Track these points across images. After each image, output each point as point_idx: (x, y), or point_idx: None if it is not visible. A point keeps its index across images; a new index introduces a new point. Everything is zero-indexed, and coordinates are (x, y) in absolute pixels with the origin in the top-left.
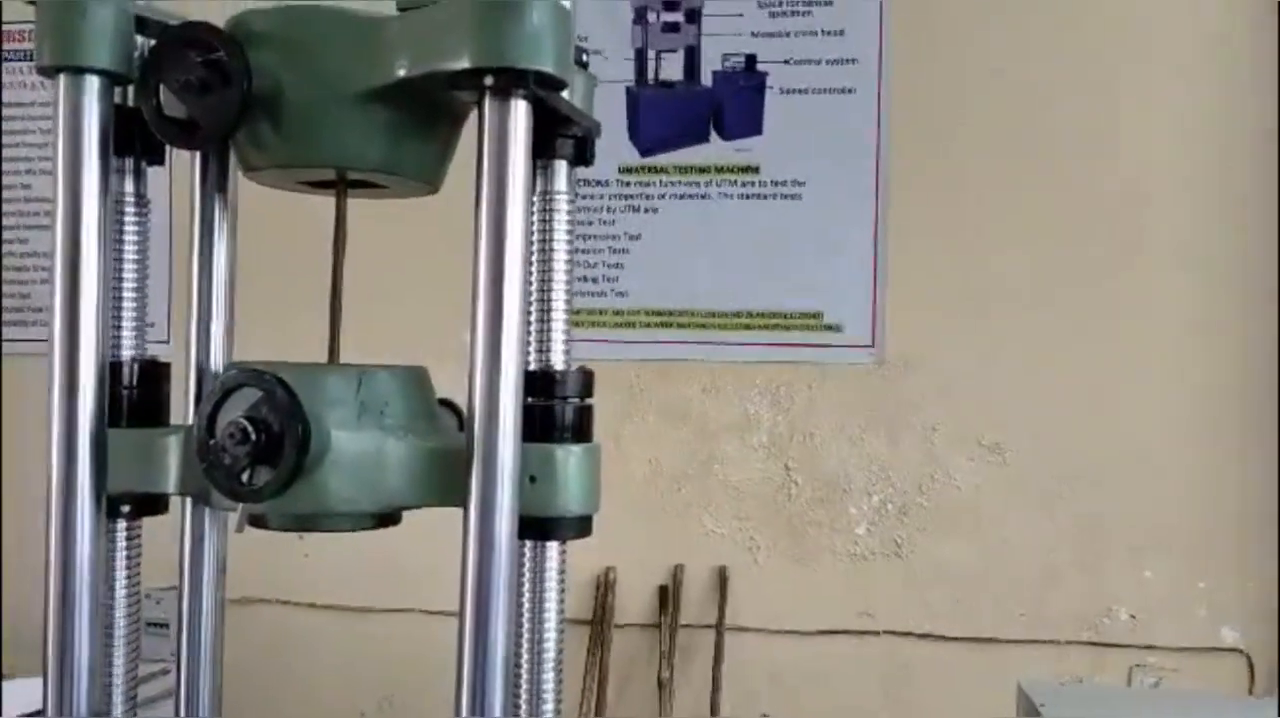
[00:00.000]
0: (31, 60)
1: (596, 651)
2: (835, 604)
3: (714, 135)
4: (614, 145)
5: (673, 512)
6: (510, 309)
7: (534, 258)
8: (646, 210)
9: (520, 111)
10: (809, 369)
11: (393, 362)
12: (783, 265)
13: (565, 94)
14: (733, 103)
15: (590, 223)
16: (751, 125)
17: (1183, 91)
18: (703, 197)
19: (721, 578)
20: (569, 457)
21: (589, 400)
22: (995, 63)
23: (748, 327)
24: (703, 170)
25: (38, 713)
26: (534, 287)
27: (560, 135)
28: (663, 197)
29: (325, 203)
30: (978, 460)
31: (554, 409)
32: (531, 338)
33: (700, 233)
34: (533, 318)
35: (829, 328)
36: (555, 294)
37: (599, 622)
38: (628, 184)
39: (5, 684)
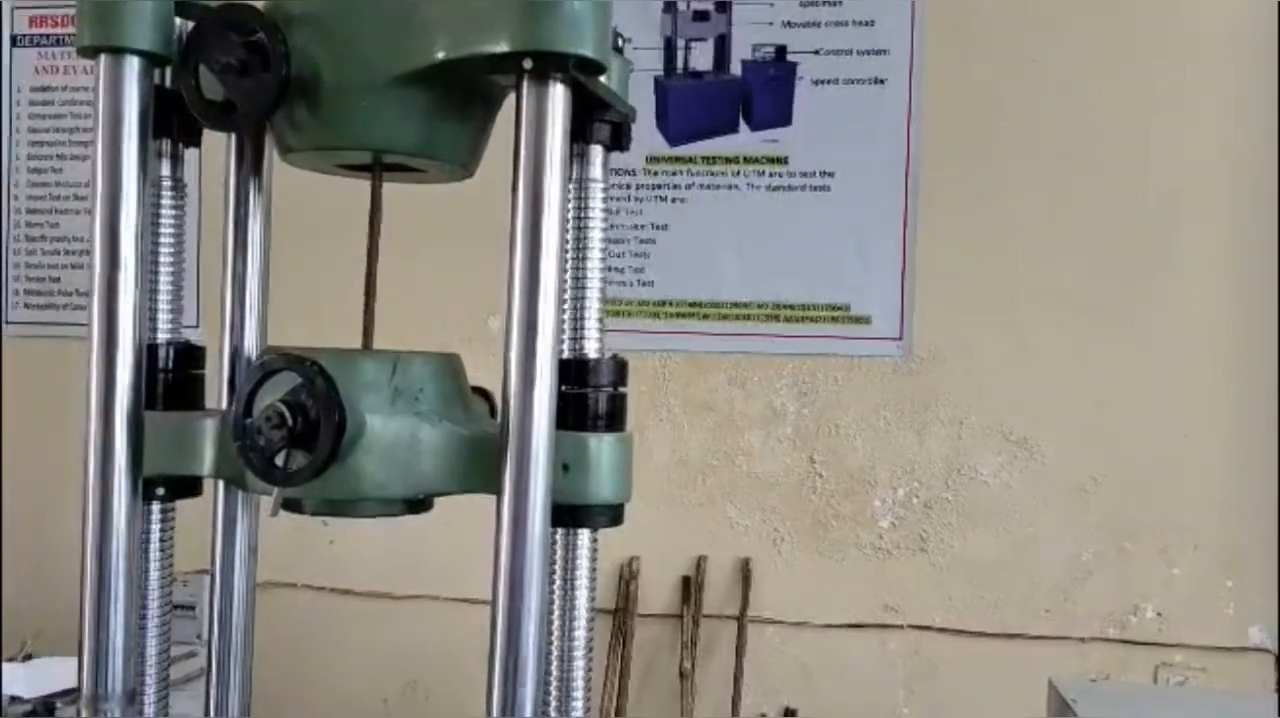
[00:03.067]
0: (60, 45)
1: (619, 640)
2: (859, 598)
3: (743, 126)
4: (642, 135)
5: (697, 503)
6: (546, 296)
7: (568, 245)
8: (674, 200)
9: (559, 96)
10: (836, 362)
11: (420, 347)
12: (810, 257)
13: (602, 79)
14: (762, 93)
15: (617, 212)
16: (781, 116)
17: (1220, 93)
18: (731, 187)
19: (745, 570)
20: (602, 445)
21: (622, 389)
22: (1029, 55)
23: (775, 318)
24: (731, 161)
25: (68, 692)
26: (568, 274)
27: (597, 120)
28: (690, 187)
29: (349, 187)
30: (1005, 455)
31: (587, 398)
32: (565, 326)
33: (728, 224)
34: (567, 306)
35: (857, 320)
36: (589, 282)
37: (622, 611)
38: (655, 174)
39: (32, 663)
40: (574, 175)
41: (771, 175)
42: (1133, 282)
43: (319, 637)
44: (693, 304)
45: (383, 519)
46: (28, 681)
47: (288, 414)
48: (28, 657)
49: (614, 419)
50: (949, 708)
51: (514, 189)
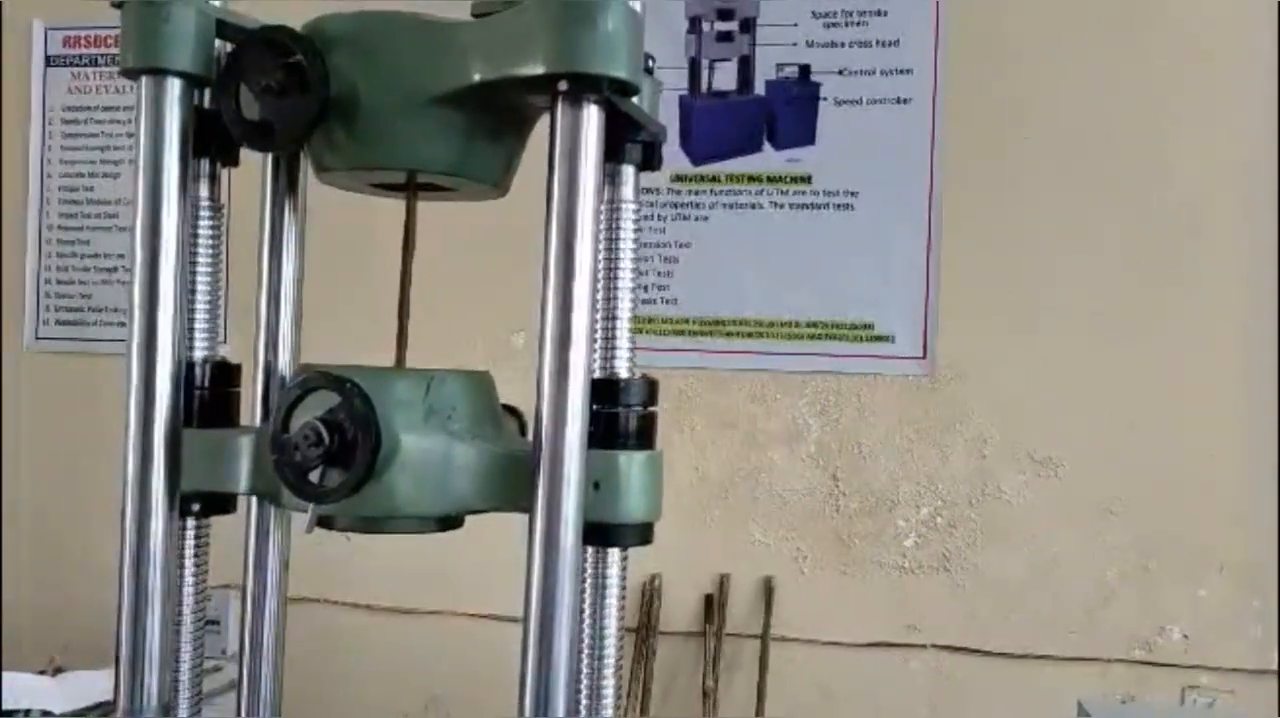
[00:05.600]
0: (94, 65)
1: (642, 657)
2: (882, 617)
3: (767, 145)
4: (666, 154)
5: (719, 521)
6: (579, 316)
7: (599, 264)
8: (697, 219)
9: (593, 117)
10: (859, 380)
11: (446, 363)
12: (834, 276)
13: (634, 99)
14: (786, 112)
15: (640, 230)
16: (805, 135)
17: (1243, 110)
18: (754, 206)
19: (767, 588)
20: (632, 464)
21: (652, 408)
22: (1052, 75)
23: (798, 336)
24: (755, 179)
25: (100, 706)
26: (599, 293)
27: (629, 141)
28: (714, 205)
29: (373, 203)
30: (1029, 474)
31: (618, 416)
32: (597, 345)
33: (751, 242)
34: (598, 325)
35: (880, 339)
36: (620, 301)
37: (644, 629)
38: (679, 192)
39: (62, 676)
40: (605, 196)
41: (795, 194)
42: (1156, 299)
43: (340, 652)
44: (716, 322)
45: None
46: (59, 694)
47: (325, 432)
48: (58, 670)
49: (644, 438)
50: None
51: (547, 210)
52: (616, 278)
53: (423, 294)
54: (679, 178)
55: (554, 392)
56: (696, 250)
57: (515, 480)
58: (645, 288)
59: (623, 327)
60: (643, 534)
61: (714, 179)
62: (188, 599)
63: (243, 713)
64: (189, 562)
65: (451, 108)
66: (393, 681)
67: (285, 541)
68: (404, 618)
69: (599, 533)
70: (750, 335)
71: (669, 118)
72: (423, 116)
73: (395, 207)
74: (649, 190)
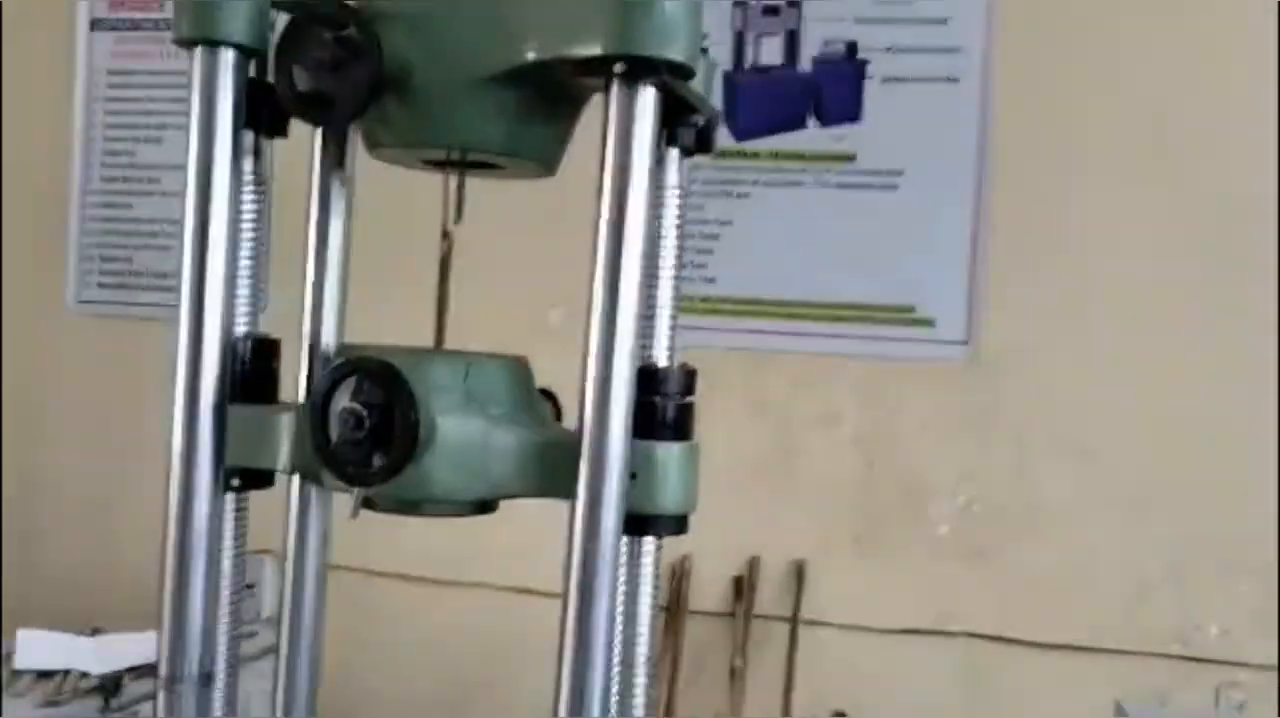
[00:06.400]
0: (139, 29)
1: (670, 637)
2: (914, 604)
3: (811, 122)
4: None
5: (752, 502)
6: (626, 302)
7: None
8: (739, 196)
9: (649, 100)
10: (899, 364)
11: (481, 339)
12: (876, 257)
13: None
14: (831, 89)
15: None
16: (850, 112)
17: None
18: (797, 184)
19: (799, 571)
20: (670, 455)
21: (690, 398)
22: (1107, 57)
23: (838, 318)
24: (798, 157)
25: (136, 668)
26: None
27: (682, 125)
28: (755, 183)
29: (412, 181)
30: (1068, 465)
31: (656, 406)
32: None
33: (793, 221)
34: None
35: (921, 323)
36: (662, 288)
37: (674, 608)
38: (721, 169)
39: (99, 637)
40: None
41: (839, 173)
42: (1203, 290)
43: (376, 620)
44: (755, 302)
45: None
46: (95, 655)
47: (365, 415)
48: (96, 631)
49: (681, 429)
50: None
51: (599, 193)
52: (659, 264)
53: (460, 268)
54: (721, 153)
55: (599, 379)
56: (737, 229)
57: (553, 466)
58: (685, 265)
59: (664, 315)
60: (678, 525)
61: (756, 155)
62: (226, 570)
63: (280, 685)
64: (228, 534)
65: (505, 86)
66: (429, 650)
67: (326, 512)
68: (442, 589)
69: (635, 523)
70: (789, 317)
71: (714, 91)
72: (476, 95)
73: (436, 181)
74: (691, 166)
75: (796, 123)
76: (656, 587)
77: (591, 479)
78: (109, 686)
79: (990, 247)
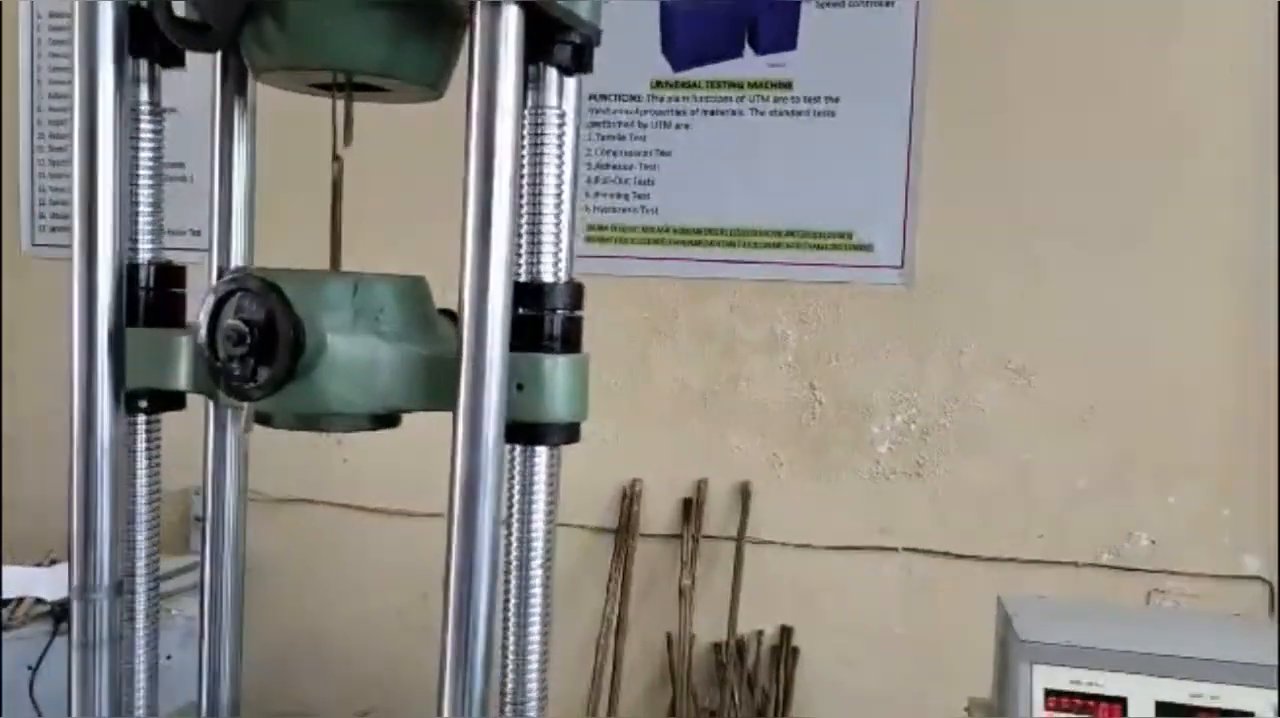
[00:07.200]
0: None
1: (621, 557)
2: (855, 521)
3: (748, 50)
4: (646, 60)
5: (698, 427)
6: (499, 219)
7: (524, 170)
8: (678, 126)
9: (512, 16)
10: (838, 289)
11: (393, 268)
12: (814, 184)
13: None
14: (768, 16)
15: (621, 138)
16: (786, 40)
17: (1241, 20)
18: (735, 113)
19: (744, 493)
20: (556, 366)
21: (579, 313)
22: None
23: (777, 245)
24: (736, 86)
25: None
26: (524, 199)
27: (558, 42)
28: (695, 112)
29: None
30: (1004, 384)
31: (543, 320)
32: (522, 251)
33: (732, 150)
34: (523, 231)
35: (859, 248)
36: (544, 206)
37: (624, 531)
38: (660, 99)
39: (55, 567)
40: (530, 102)
41: (776, 100)
42: (1140, 210)
43: (335, 551)
44: (696, 230)
45: (394, 440)
46: (49, 584)
47: (246, 331)
48: (53, 562)
49: (570, 341)
50: (941, 628)
51: (467, 113)
52: (541, 183)
53: (406, 205)
54: (659, 84)
55: (475, 293)
56: (677, 158)
57: (441, 381)
58: (626, 196)
59: (548, 232)
60: (568, 434)
61: (695, 85)
62: (141, 489)
63: (205, 605)
64: (141, 455)
65: (380, 6)
66: (386, 578)
67: (243, 436)
68: (395, 519)
69: (524, 432)
70: (730, 244)
71: (649, 23)
72: (352, 14)
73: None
74: (630, 98)
75: (734, 51)
76: (552, 495)
77: (470, 390)
78: (58, 610)
79: (926, 170)
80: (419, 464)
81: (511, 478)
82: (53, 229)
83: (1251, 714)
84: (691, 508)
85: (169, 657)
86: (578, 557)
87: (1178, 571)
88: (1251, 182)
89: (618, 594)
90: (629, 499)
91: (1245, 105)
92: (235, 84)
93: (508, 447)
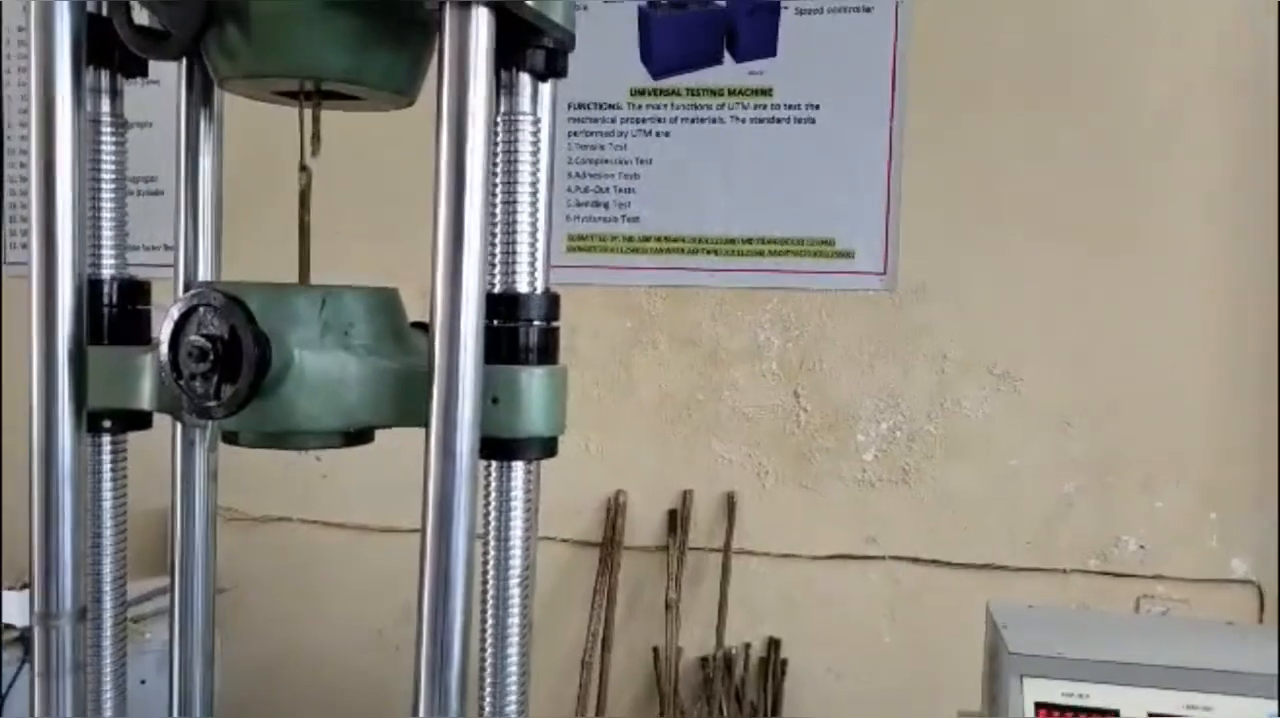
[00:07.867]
0: None
1: (606, 571)
2: (842, 530)
3: (727, 57)
4: (626, 67)
5: (682, 437)
6: (471, 229)
7: (497, 179)
8: (658, 134)
9: (482, 20)
10: (820, 296)
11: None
12: (795, 191)
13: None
14: (747, 23)
15: (601, 147)
16: (766, 47)
17: (1221, 27)
18: (715, 120)
19: (730, 503)
20: (532, 378)
21: (555, 324)
22: None
23: (759, 253)
24: (715, 93)
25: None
26: (497, 208)
27: (530, 47)
28: (675, 120)
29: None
30: (989, 389)
31: (518, 331)
32: (496, 261)
33: (712, 157)
34: (497, 240)
35: (841, 254)
36: (519, 215)
37: (609, 544)
38: (639, 107)
39: (26, 592)
40: (502, 108)
41: (756, 108)
42: (1122, 212)
43: (314, 569)
44: (677, 239)
45: (375, 455)
46: (19, 608)
47: (209, 347)
48: (24, 586)
49: (546, 353)
50: (929, 636)
51: (437, 119)
52: (515, 191)
53: (379, 213)
54: (639, 92)
55: (447, 305)
56: (658, 167)
57: (413, 396)
58: (607, 205)
59: (523, 241)
60: (545, 448)
61: (674, 93)
62: (106, 511)
63: (175, 624)
64: (106, 477)
65: (345, 12)
66: (366, 596)
67: (212, 453)
68: (375, 535)
69: (500, 447)
70: (712, 252)
71: (628, 30)
72: (317, 19)
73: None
74: (610, 106)
75: (713, 59)
76: (530, 510)
77: (442, 405)
78: (29, 636)
79: (907, 176)
80: (401, 479)
81: (488, 494)
82: (23, 246)
83: None
84: (677, 520)
85: (143, 681)
86: (562, 571)
87: (1166, 575)
88: (1230, 178)
89: (603, 608)
90: (613, 512)
91: (1226, 106)
92: (200, 94)
93: (483, 463)
